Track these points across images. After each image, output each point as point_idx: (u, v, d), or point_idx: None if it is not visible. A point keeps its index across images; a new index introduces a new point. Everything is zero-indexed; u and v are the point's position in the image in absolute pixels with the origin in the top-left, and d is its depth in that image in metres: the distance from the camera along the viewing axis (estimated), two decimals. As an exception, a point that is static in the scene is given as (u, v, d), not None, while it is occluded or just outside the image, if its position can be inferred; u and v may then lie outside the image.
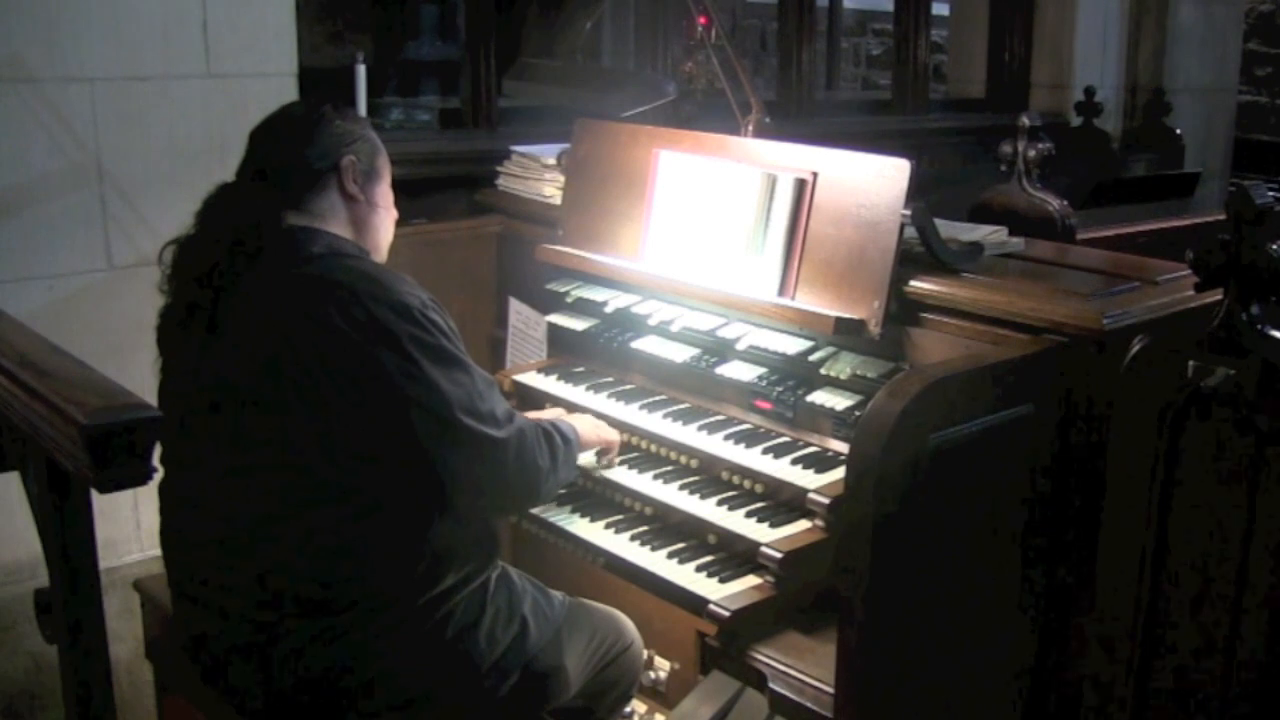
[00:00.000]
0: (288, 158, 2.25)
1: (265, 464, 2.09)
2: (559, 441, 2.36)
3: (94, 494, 1.96)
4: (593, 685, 2.47)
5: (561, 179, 3.25)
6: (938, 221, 2.59)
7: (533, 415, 2.66)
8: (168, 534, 2.29)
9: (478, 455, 2.14)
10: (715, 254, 2.81)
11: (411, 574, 2.14)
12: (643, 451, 2.79)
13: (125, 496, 2.77)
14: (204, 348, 2.14)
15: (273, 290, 2.11)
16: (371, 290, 2.09)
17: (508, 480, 2.22)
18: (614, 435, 2.73)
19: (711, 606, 2.34)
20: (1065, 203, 3.23)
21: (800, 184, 2.67)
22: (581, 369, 3.09)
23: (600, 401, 2.90)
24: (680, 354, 2.85)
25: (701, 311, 2.81)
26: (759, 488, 2.59)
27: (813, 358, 2.61)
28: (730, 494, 2.60)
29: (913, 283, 2.51)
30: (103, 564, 2.10)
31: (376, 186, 2.36)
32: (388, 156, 2.41)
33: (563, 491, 2.67)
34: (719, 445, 2.67)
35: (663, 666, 2.71)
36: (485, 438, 2.13)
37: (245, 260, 2.13)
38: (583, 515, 2.70)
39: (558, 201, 3.24)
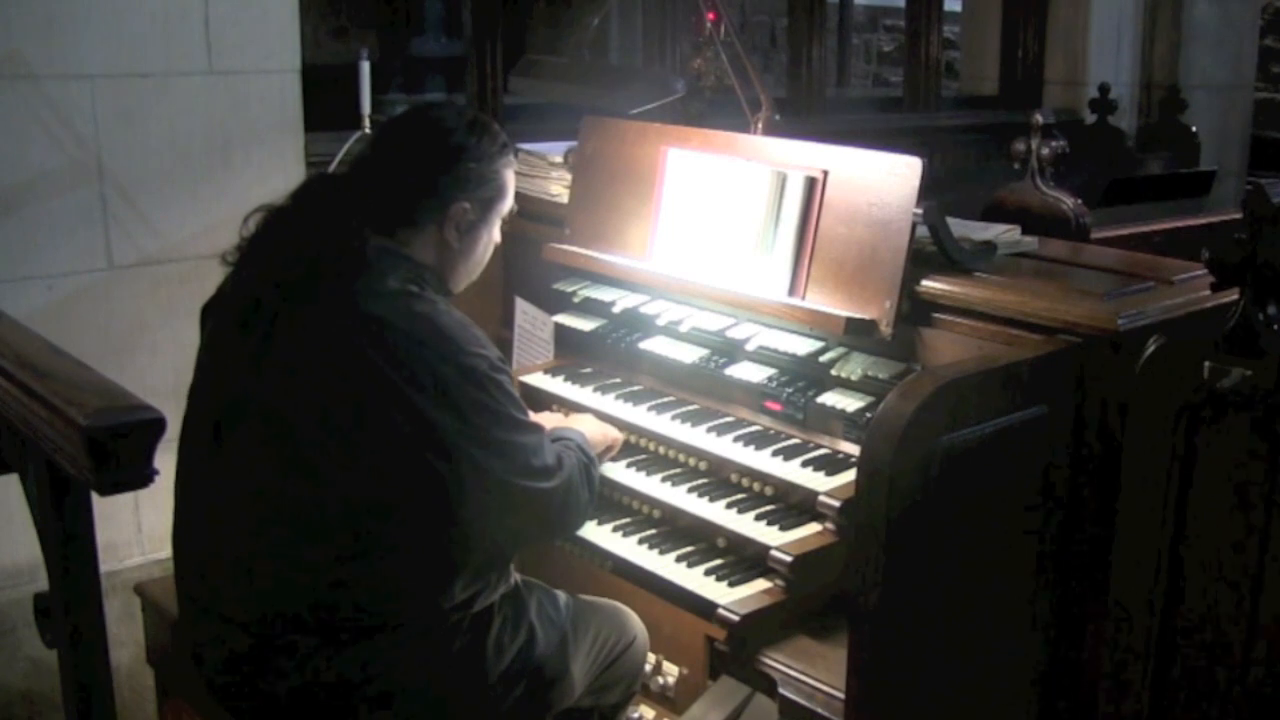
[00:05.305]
0: (405, 183, 2.20)
1: (296, 495, 2.05)
2: (593, 468, 2.39)
3: (94, 497, 1.94)
4: (597, 684, 2.46)
5: (568, 177, 3.22)
6: (950, 220, 2.57)
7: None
8: (181, 539, 2.25)
9: (527, 511, 2.19)
10: (724, 253, 2.78)
11: (422, 591, 2.11)
12: (651, 453, 2.77)
13: (126, 499, 2.74)
14: (256, 361, 2.08)
15: (338, 324, 2.05)
16: (439, 348, 2.05)
17: (553, 524, 2.30)
18: (617, 433, 2.72)
19: (721, 611, 2.31)
20: (1079, 201, 3.22)
21: (810, 182, 2.64)
22: (589, 370, 3.06)
23: (608, 403, 2.87)
24: (689, 355, 2.82)
25: (710, 312, 2.78)
26: (769, 490, 2.56)
27: (823, 358, 2.58)
28: (740, 497, 2.57)
29: (925, 282, 2.49)
30: (103, 568, 2.08)
31: (479, 235, 2.30)
32: (511, 199, 2.35)
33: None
34: (728, 447, 2.64)
35: (671, 672, 2.68)
36: (537, 493, 2.17)
37: (319, 280, 2.08)
38: (590, 518, 2.67)
39: (564, 200, 3.21)
